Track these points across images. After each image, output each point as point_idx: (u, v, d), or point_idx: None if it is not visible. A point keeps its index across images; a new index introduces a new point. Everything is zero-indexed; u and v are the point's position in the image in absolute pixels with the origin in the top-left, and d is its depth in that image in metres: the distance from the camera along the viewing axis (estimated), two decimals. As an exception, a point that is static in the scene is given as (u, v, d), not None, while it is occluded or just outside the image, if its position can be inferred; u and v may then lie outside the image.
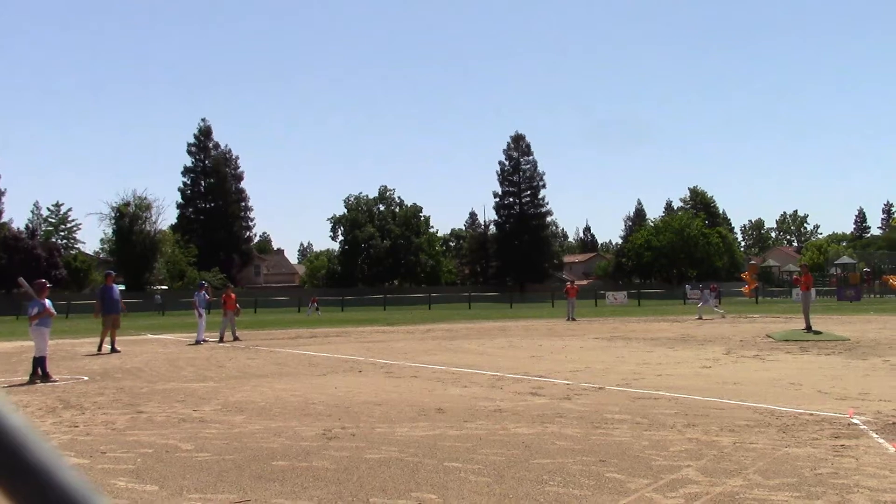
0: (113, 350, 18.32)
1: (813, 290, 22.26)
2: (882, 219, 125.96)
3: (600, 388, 10.48)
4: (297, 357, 16.46)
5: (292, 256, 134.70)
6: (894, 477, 5.33)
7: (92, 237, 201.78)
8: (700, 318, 30.92)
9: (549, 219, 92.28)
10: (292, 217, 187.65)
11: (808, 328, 20.83)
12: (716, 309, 33.02)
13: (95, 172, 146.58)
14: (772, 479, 5.30)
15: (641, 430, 7.20)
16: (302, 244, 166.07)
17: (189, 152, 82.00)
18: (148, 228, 70.77)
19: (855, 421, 7.55)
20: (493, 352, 17.30)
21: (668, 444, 6.51)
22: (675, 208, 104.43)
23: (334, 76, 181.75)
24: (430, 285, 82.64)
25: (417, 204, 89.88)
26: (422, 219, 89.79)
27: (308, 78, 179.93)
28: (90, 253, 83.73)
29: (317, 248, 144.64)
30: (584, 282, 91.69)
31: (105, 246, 76.42)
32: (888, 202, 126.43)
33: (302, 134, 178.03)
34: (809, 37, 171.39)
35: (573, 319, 32.32)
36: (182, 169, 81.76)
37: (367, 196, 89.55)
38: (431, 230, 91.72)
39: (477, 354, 16.59)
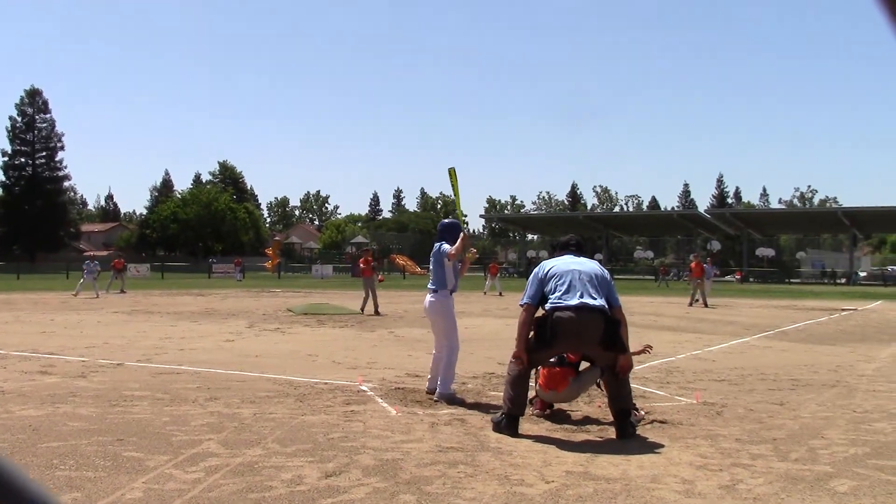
0: None
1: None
2: (393, 203, 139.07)
3: (119, 364, 10.02)
4: None
5: None
6: (395, 437, 5.93)
7: None
8: (76, 294, 28.32)
9: (66, 183, 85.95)
10: None
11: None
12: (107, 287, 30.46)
13: None
14: (289, 446, 5.56)
15: (162, 406, 7.05)
16: None
17: None
18: None
19: (363, 388, 8.23)
20: (-4, 327, 15.55)
21: (189, 419, 6.46)
22: (204, 181, 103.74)
23: None
24: (-83, 252, 71.72)
25: None
26: None
27: None
28: None
29: None
30: (104, 253, 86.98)
31: None
32: (398, 188, 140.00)
33: None
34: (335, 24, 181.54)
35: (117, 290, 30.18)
36: None
37: None
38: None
39: (-25, 330, 14.78)
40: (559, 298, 6.21)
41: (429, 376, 8.04)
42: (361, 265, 21.83)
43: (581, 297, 6.18)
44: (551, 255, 6.98)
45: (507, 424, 6.12)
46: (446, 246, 7.85)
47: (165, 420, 6.42)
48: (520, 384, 6.25)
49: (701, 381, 9.18)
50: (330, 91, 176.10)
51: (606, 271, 6.66)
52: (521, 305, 6.48)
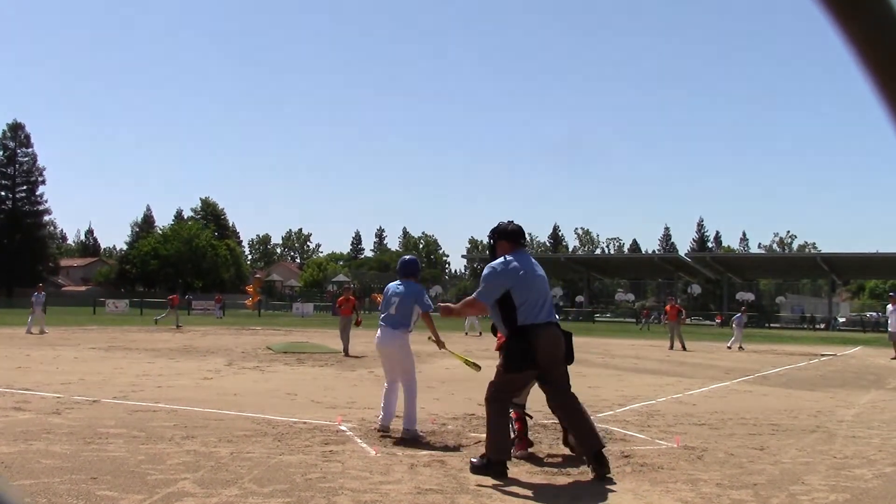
0: None
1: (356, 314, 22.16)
2: (375, 242, 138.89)
3: (95, 401, 9.88)
4: None
5: None
6: (374, 478, 5.87)
7: None
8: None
9: (46, 218, 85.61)
10: None
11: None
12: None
13: None
14: (266, 486, 5.48)
15: (138, 444, 6.94)
16: None
17: None
18: None
19: (343, 428, 8.16)
20: (-30, 362, 15.32)
21: (165, 458, 6.36)
22: (186, 218, 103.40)
23: None
24: None
25: None
26: None
27: None
28: None
29: None
30: (83, 288, 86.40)
31: None
32: (380, 227, 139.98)
33: None
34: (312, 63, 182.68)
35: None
36: None
37: None
38: None
39: (-51, 365, 14.55)
40: (534, 318, 6.18)
41: (381, 415, 7.99)
42: (339, 304, 21.38)
43: (548, 313, 6.28)
44: (493, 247, 6.65)
45: (496, 471, 6.01)
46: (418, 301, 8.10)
47: (141, 458, 6.32)
48: (500, 428, 6.22)
49: (681, 425, 9.16)
50: (313, 130, 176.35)
51: None
52: (477, 301, 6.42)
